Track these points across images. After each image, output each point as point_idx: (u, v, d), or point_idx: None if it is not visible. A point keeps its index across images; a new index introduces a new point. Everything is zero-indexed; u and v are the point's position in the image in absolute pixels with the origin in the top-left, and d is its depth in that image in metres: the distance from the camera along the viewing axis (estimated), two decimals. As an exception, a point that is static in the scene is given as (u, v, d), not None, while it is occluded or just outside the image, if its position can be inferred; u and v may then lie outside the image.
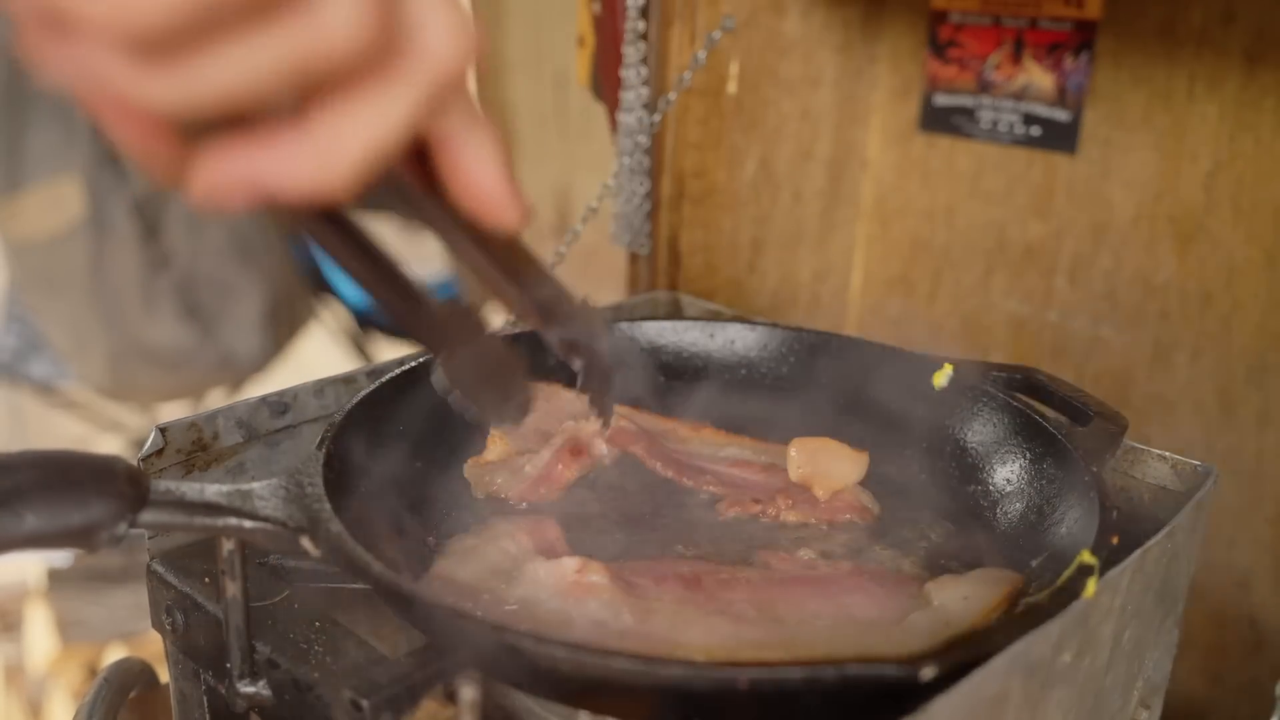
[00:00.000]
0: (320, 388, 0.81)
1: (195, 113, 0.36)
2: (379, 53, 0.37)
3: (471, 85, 0.43)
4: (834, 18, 1.18)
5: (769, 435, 0.85)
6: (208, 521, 0.57)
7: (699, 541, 0.74)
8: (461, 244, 0.50)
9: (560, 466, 0.78)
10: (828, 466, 0.78)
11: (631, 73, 1.09)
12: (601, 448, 0.80)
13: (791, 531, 0.76)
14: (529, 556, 0.66)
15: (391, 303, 0.50)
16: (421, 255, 3.49)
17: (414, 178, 0.46)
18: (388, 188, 0.45)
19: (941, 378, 0.83)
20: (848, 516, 0.77)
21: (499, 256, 0.53)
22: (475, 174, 0.44)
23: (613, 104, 1.15)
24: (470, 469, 0.78)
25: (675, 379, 0.90)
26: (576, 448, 0.79)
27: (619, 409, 0.81)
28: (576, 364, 0.65)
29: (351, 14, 0.36)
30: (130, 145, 0.39)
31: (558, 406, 0.83)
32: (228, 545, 0.60)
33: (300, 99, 0.38)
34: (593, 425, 0.80)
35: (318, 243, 0.46)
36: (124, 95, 0.36)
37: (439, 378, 0.56)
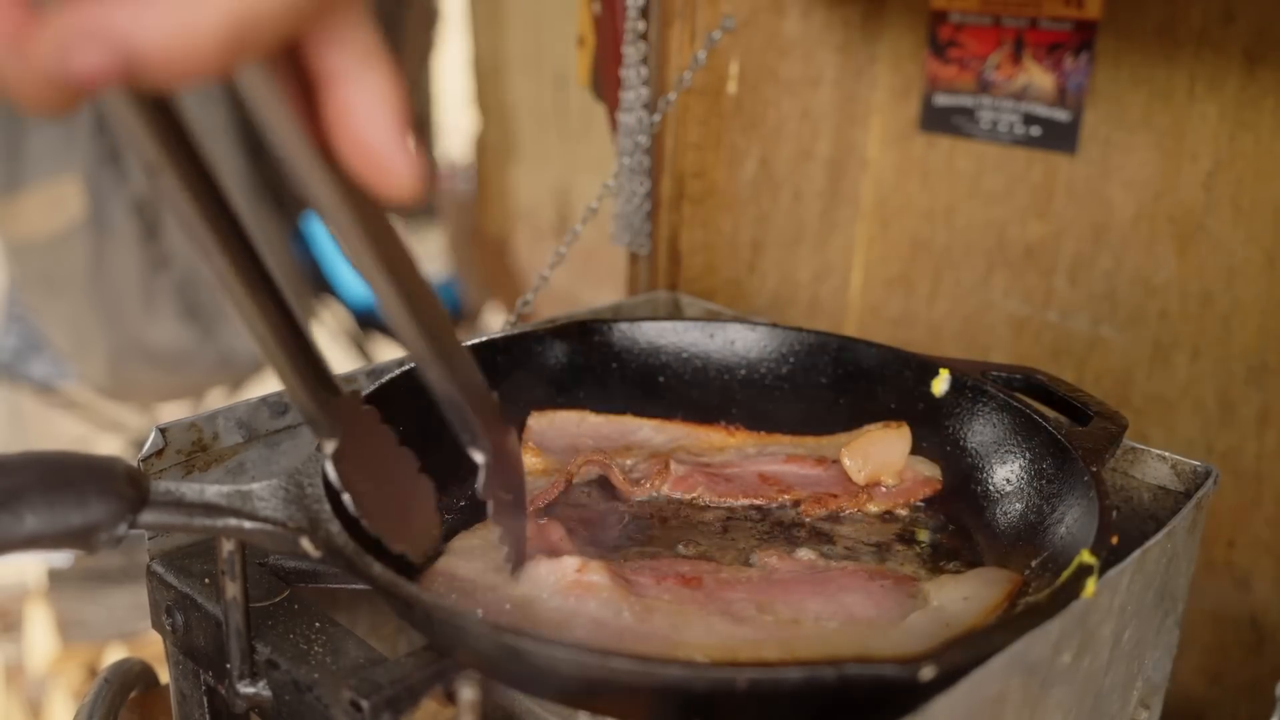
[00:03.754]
0: (320, 388, 0.81)
1: None
2: None
3: (368, 16, 0.39)
4: (834, 18, 1.18)
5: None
6: (208, 522, 0.57)
7: (699, 541, 0.74)
8: (351, 237, 0.44)
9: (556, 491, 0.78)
10: (883, 456, 0.79)
11: (631, 73, 1.09)
12: (636, 493, 0.79)
13: (795, 530, 0.76)
14: (530, 555, 0.66)
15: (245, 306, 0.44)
16: (421, 255, 3.49)
17: (305, 129, 0.40)
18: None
19: (940, 384, 0.83)
20: (922, 494, 0.78)
21: (391, 259, 0.46)
22: (363, 120, 0.39)
23: (613, 104, 1.15)
24: None
25: (675, 379, 0.90)
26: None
27: (663, 453, 0.81)
28: (479, 457, 0.56)
29: None
30: None
31: (587, 430, 0.84)
32: (228, 545, 0.60)
33: None
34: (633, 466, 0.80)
35: (158, 179, 0.40)
36: None
37: (330, 469, 0.50)
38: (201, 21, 0.34)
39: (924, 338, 1.24)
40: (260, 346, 0.47)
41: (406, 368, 0.79)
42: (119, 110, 0.38)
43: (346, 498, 0.54)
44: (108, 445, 2.71)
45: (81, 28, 0.33)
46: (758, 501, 0.78)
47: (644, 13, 1.08)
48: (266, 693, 0.63)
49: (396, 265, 0.46)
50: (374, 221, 0.44)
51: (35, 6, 0.35)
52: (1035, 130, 1.11)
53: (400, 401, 0.77)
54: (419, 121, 3.14)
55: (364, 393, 0.74)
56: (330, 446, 0.53)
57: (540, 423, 0.84)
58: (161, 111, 0.40)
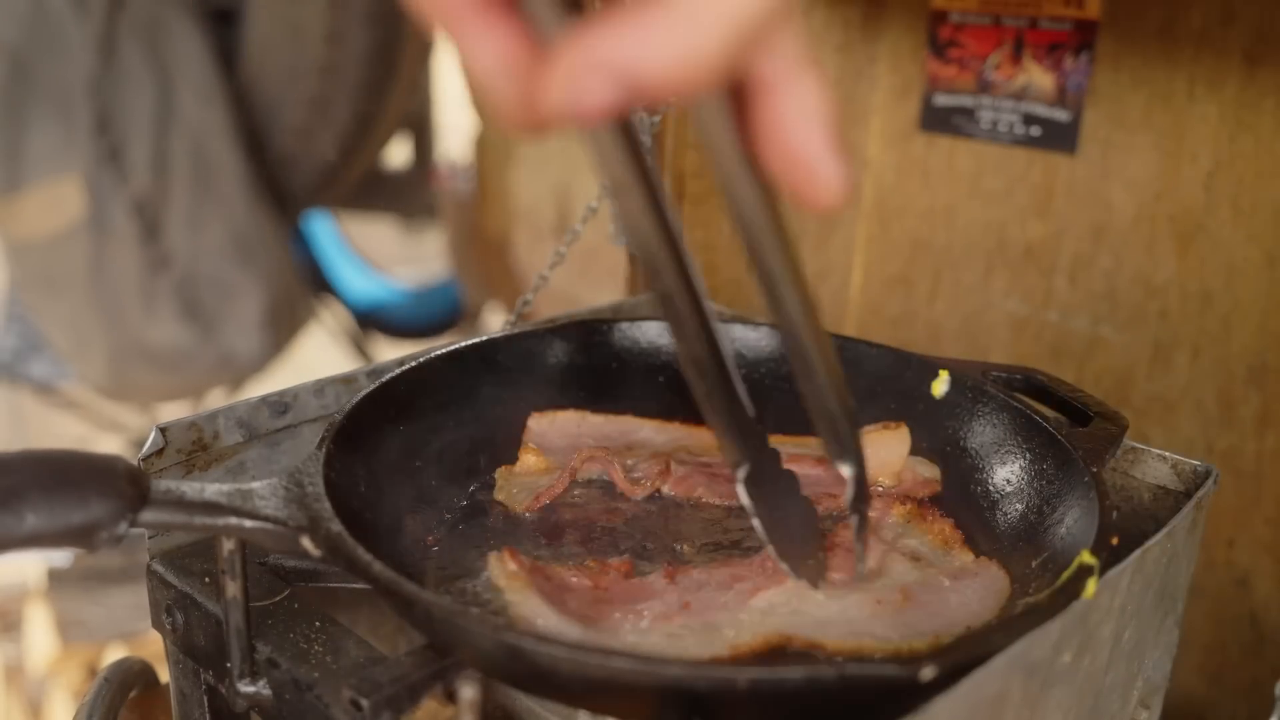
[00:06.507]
0: (320, 388, 0.81)
1: None
2: None
3: (800, 24, 0.41)
4: (834, 18, 1.18)
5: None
6: (208, 521, 0.57)
7: (699, 541, 0.74)
8: (767, 247, 0.46)
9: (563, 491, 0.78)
10: (880, 456, 0.78)
11: (631, 73, 1.09)
12: (636, 492, 0.79)
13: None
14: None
15: (679, 324, 0.47)
16: (421, 255, 3.49)
17: (733, 129, 0.42)
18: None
19: (939, 386, 0.83)
20: (922, 494, 0.78)
21: (795, 271, 0.47)
22: (794, 129, 0.40)
23: (613, 104, 1.15)
24: (499, 474, 0.80)
25: (675, 379, 0.90)
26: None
27: (656, 452, 0.81)
28: (847, 470, 0.57)
29: None
30: (480, 60, 0.37)
31: (587, 430, 0.84)
32: (228, 545, 0.60)
33: None
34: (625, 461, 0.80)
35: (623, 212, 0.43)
36: None
37: (743, 492, 0.54)
38: (703, 44, 0.35)
39: (924, 338, 1.24)
40: (694, 372, 0.49)
41: (406, 367, 0.79)
42: (599, 132, 0.40)
43: (756, 523, 0.57)
44: (108, 445, 2.72)
45: (590, 62, 0.35)
46: None
47: (644, 13, 1.08)
48: (267, 692, 0.63)
49: (798, 276, 0.48)
50: (784, 232, 0.46)
51: (540, 42, 0.37)
52: (1035, 130, 1.11)
53: (401, 401, 0.77)
54: (419, 121, 3.14)
55: (364, 392, 0.74)
56: (743, 471, 0.55)
57: (540, 423, 0.84)
58: (626, 129, 0.41)
